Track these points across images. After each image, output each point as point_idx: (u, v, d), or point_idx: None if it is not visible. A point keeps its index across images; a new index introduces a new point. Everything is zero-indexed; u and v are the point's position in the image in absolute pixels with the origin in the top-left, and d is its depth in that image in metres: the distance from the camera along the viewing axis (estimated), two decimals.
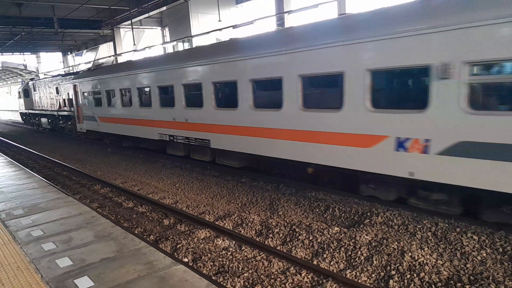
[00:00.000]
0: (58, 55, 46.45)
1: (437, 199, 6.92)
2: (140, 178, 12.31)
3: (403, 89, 7.27)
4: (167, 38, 30.45)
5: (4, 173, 10.65)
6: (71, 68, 39.51)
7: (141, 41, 32.36)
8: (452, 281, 5.12)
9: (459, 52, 5.75)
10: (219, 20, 20.39)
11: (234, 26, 16.47)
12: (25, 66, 45.81)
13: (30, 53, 44.91)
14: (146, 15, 25.95)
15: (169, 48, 27.67)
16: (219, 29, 18.09)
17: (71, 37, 35.05)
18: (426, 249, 5.98)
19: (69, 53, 44.51)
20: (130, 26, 26.44)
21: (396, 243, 6.19)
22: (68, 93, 22.15)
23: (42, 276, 4.45)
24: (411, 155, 6.53)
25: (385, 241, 6.29)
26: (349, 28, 7.41)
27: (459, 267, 5.44)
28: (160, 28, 31.91)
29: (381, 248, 6.08)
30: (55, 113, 25.21)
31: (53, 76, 27.16)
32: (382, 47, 6.62)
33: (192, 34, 23.60)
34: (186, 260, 6.45)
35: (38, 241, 5.56)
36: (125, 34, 32.59)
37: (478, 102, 5.82)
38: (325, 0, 14.96)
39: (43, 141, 23.60)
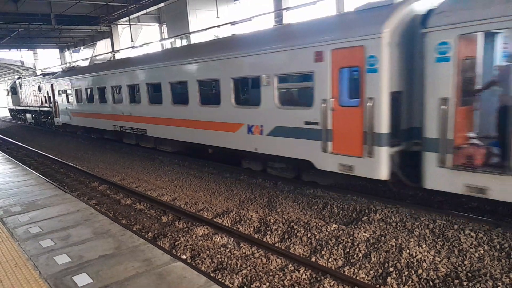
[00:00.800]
0: (56, 51, 46.20)
1: (280, 167, 9.81)
2: (138, 175, 12.29)
3: (249, 92, 10.91)
4: (165, 35, 30.35)
5: (2, 170, 10.62)
6: (68, 64, 39.33)
7: (139, 38, 32.24)
8: (450, 278, 5.14)
9: (274, 68, 8.72)
10: (217, 17, 20.33)
11: (232, 23, 16.42)
12: (22, 62, 45.55)
13: (27, 49, 44.62)
14: (144, 11, 25.85)
15: (167, 45, 27.56)
16: (217, 26, 18.03)
17: (68, 34, 34.83)
18: (424, 246, 6.00)
19: (66, 49, 44.29)
20: (128, 23, 26.32)
21: (394, 240, 6.20)
22: (47, 91, 24.52)
23: (41, 273, 4.44)
24: (255, 136, 9.54)
25: (383, 238, 6.30)
26: (229, 46, 10.39)
27: (457, 264, 5.46)
28: (158, 24, 31.80)
29: (379, 245, 6.10)
30: (38, 109, 28.19)
31: (36, 76, 30.51)
32: (237, 62, 9.72)
33: (190, 31, 23.51)
34: (184, 257, 6.45)
35: (36, 238, 5.54)
36: (122, 30, 32.45)
37: (282, 101, 8.87)
38: None
39: (40, 139, 23.53)
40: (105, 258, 4.78)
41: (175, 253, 6.54)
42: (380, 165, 6.95)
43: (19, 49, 41.74)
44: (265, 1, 23.99)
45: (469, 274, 5.16)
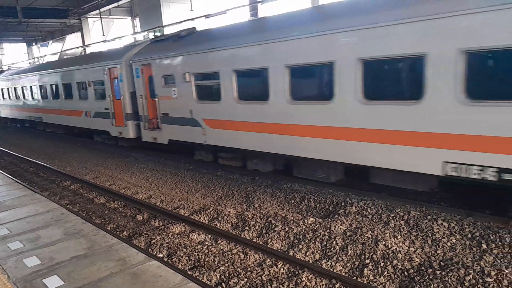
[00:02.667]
0: (23, 46, 44.49)
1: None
2: (112, 173, 12.01)
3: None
4: (138, 28, 29.69)
5: None
6: (36, 59, 37.96)
7: (111, 32, 31.42)
8: (423, 267, 5.25)
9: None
10: (191, 10, 20.01)
11: (206, 16, 16.21)
12: None
13: None
14: (115, 4, 25.21)
15: (140, 39, 26.96)
16: (191, 19, 17.77)
17: (36, 27, 33.54)
18: (399, 237, 6.11)
19: (34, 44, 42.72)
20: (99, 16, 25.58)
21: (370, 232, 6.29)
22: None
23: (9, 277, 4.27)
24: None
25: (359, 230, 6.38)
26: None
27: (430, 253, 5.58)
28: (130, 18, 31.06)
29: (356, 237, 6.17)
30: None
31: None
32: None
33: (164, 24, 23.07)
34: (160, 255, 6.34)
35: (4, 240, 5.34)
36: (93, 24, 31.54)
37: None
38: None
39: (9, 136, 22.66)
40: (77, 259, 4.65)
41: (150, 252, 6.42)
42: (129, 131, 13.08)
43: None
44: None
45: (442, 263, 5.28)
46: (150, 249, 6.55)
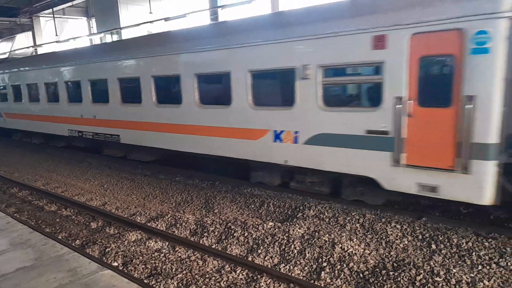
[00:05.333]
0: None
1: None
2: (65, 179, 11.47)
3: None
4: (94, 30, 28.72)
5: None
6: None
7: (65, 32, 30.17)
8: (378, 269, 5.41)
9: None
10: (150, 12, 19.64)
11: (166, 19, 15.97)
12: None
13: None
14: (69, 4, 24.25)
15: (97, 40, 26.10)
16: (150, 22, 17.43)
17: None
18: (355, 239, 6.26)
19: None
20: (52, 15, 24.51)
21: (327, 235, 6.40)
22: None
23: None
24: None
25: (317, 233, 6.48)
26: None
27: (384, 255, 5.77)
28: (86, 18, 29.99)
29: (313, 240, 6.26)
30: None
31: None
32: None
33: (122, 26, 22.46)
34: (115, 264, 6.11)
35: None
36: (46, 23, 30.16)
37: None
38: None
39: None
40: (23, 271, 4.39)
41: (105, 261, 6.17)
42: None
43: None
44: None
45: (395, 264, 5.47)
46: (104, 258, 6.29)
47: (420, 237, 6.19)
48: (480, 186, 5.71)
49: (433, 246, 5.89)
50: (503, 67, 5.39)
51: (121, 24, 22.43)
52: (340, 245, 6.03)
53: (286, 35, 7.31)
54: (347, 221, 6.92)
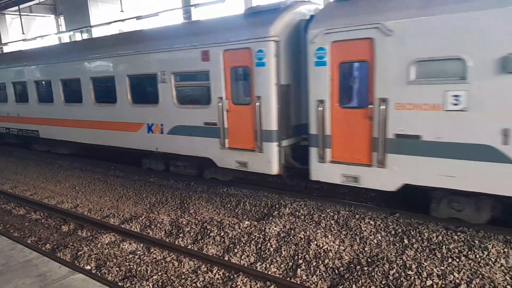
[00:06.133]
0: None
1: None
2: (34, 181, 11.09)
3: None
4: (63, 28, 27.88)
5: None
6: None
7: (32, 30, 29.15)
8: (352, 265, 5.50)
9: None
10: (122, 11, 19.24)
11: (138, 18, 15.70)
12: None
13: None
14: (36, 1, 23.43)
15: (65, 39, 25.36)
16: (121, 20, 17.10)
17: None
18: (330, 236, 6.34)
19: None
20: (18, 13, 23.61)
21: (302, 232, 6.46)
22: None
23: None
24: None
25: (292, 231, 6.52)
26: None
27: (359, 251, 5.87)
28: (54, 16, 29.05)
29: (289, 238, 6.30)
30: None
31: None
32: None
33: (92, 24, 21.91)
34: (88, 267, 5.96)
35: None
36: (12, 21, 29.04)
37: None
38: None
39: None
40: None
41: (77, 264, 6.01)
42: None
43: None
44: None
45: (369, 260, 5.58)
46: (76, 262, 6.13)
47: (393, 232, 6.33)
48: (269, 161, 7.64)
49: (405, 241, 6.03)
50: (275, 75, 7.31)
51: (92, 23, 21.89)
52: (315, 242, 6.09)
53: (150, 48, 9.28)
54: (322, 218, 7.00)
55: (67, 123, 12.05)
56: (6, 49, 25.89)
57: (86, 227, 7.50)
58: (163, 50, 9.01)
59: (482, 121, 5.54)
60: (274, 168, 7.64)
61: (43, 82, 12.71)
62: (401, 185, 6.36)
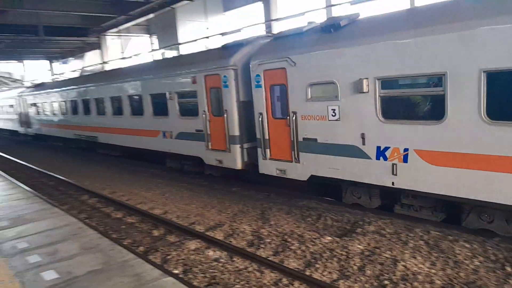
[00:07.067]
0: (45, 62, 45.79)
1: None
2: (129, 188, 12.11)
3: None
4: (155, 46, 30.30)
5: None
6: (56, 76, 39.00)
7: (129, 49, 32.12)
8: None
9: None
10: (207, 28, 20.37)
11: (222, 34, 16.48)
12: (10, 74, 45.07)
13: (15, 61, 44.21)
14: (133, 22, 25.81)
15: (157, 56, 27.51)
16: (207, 37, 18.08)
17: (57, 45, 34.51)
18: (419, 258, 5.95)
19: (54, 60, 43.94)
20: (117, 34, 26.22)
21: (388, 252, 6.15)
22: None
23: None
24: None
25: (377, 250, 6.25)
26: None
27: (452, 276, 5.42)
28: (148, 35, 31.73)
29: (374, 257, 6.04)
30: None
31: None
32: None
33: (180, 42, 23.51)
34: (176, 271, 6.30)
35: (23, 253, 5.41)
36: (112, 41, 32.32)
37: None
38: (311, 8, 15.09)
39: (32, 152, 23.15)
40: (93, 274, 4.66)
41: (166, 268, 6.39)
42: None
43: (7, 61, 41.29)
44: (254, 12, 24.14)
45: (465, 287, 5.12)
46: (165, 265, 6.52)
47: (492, 258, 5.74)
48: (235, 158, 10.02)
49: (508, 269, 5.43)
50: (235, 94, 9.70)
51: (179, 40, 23.48)
52: (402, 263, 5.76)
53: (162, 74, 12.29)
54: (409, 238, 6.60)
55: (115, 131, 15.53)
56: (107, 67, 28.78)
57: (175, 233, 7.95)
58: (169, 75, 11.94)
59: (349, 128, 7.45)
60: (238, 164, 9.96)
61: (99, 100, 16.44)
62: (309, 175, 8.36)
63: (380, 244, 6.48)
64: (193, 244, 7.24)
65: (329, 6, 17.44)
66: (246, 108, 9.68)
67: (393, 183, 6.95)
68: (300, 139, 8.30)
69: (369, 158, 7.18)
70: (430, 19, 6.27)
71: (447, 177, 6.22)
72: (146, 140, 13.53)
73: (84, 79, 19.68)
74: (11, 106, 28.58)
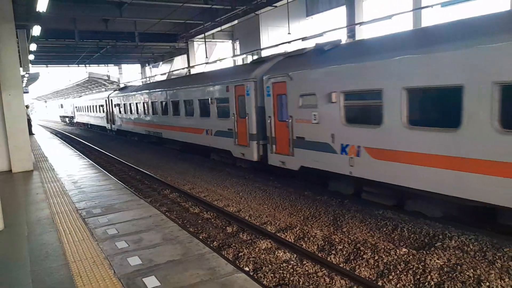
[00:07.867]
0: (137, 66, 49.90)
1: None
2: (207, 185, 12.72)
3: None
4: (238, 51, 31.37)
5: (87, 174, 11.62)
6: (148, 79, 42.18)
7: (213, 54, 33.66)
8: None
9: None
10: (289, 33, 20.57)
11: (303, 39, 16.51)
12: (108, 76, 49.78)
13: (113, 65, 48.81)
14: (219, 28, 26.99)
15: (239, 61, 28.44)
16: (288, 42, 18.25)
17: (149, 50, 37.38)
18: (507, 279, 5.43)
19: (146, 64, 47.61)
20: (203, 39, 27.62)
21: (472, 270, 5.70)
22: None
23: (115, 272, 4.75)
24: None
25: (459, 267, 5.82)
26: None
27: None
28: (231, 41, 32.98)
29: (454, 274, 5.64)
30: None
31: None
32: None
33: (262, 47, 24.04)
34: (247, 269, 6.50)
35: (112, 239, 5.95)
36: (198, 47, 34.12)
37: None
38: (398, 11, 14.43)
39: (121, 148, 25.35)
40: (172, 264, 4.98)
41: (238, 264, 6.62)
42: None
43: (106, 65, 45.76)
44: (337, 16, 23.84)
45: None
46: (237, 262, 6.75)
47: None
48: (253, 152, 12.44)
49: None
50: (255, 101, 12.14)
51: (262, 46, 24.02)
52: (487, 283, 5.30)
53: (205, 83, 15.47)
54: (497, 257, 6.04)
55: (174, 128, 19.05)
56: (193, 71, 30.47)
57: (247, 231, 8.19)
58: (210, 85, 14.97)
59: (324, 129, 9.43)
60: (255, 157, 12.38)
61: (163, 103, 20.08)
62: (300, 166, 10.47)
63: (462, 261, 6.02)
64: (264, 244, 7.40)
65: (416, 9, 16.58)
66: (261, 112, 11.99)
67: (350, 172, 8.82)
68: (295, 137, 10.48)
69: (336, 152, 9.12)
70: (372, 51, 8.35)
71: (384, 168, 7.97)
72: (194, 136, 16.73)
73: (154, 84, 23.57)
74: (102, 106, 33.54)
